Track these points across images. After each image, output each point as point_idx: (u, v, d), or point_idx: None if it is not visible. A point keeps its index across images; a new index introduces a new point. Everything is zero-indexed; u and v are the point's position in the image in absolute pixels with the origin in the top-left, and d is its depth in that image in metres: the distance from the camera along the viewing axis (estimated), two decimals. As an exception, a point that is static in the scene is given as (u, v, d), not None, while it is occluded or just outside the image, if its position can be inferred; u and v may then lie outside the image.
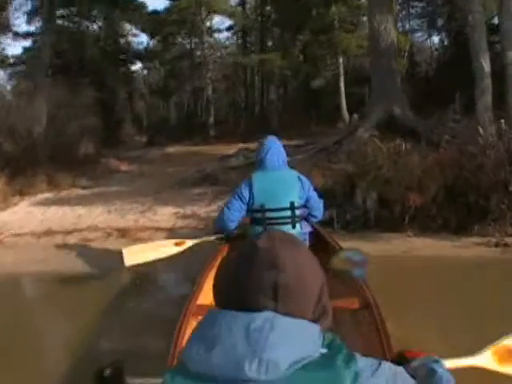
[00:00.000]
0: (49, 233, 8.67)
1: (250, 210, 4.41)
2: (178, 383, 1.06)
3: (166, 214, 9.14)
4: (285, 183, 4.40)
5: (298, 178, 4.44)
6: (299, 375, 1.02)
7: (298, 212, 4.35)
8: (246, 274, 1.10)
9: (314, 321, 1.11)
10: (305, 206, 4.45)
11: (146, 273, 6.26)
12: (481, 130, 7.21)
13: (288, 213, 4.34)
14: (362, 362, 1.08)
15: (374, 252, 6.14)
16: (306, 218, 4.54)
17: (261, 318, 1.04)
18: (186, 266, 5.92)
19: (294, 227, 4.31)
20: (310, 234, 4.55)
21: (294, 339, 1.04)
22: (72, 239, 8.23)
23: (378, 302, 3.35)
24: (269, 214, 4.32)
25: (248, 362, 1.01)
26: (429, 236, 6.85)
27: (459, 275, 5.54)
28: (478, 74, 9.67)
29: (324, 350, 1.07)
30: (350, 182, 7.64)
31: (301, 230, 4.36)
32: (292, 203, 4.32)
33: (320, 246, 4.52)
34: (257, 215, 4.38)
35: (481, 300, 4.80)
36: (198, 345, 1.07)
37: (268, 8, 29.12)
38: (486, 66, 9.54)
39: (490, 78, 9.62)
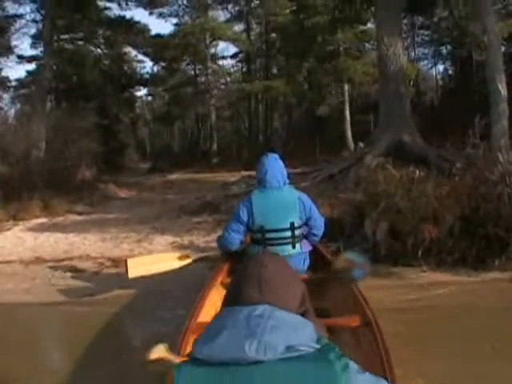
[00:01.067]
0: (38, 261, 8.21)
1: (250, 230, 4.39)
2: (184, 372, 1.20)
3: (162, 244, 8.72)
4: (285, 204, 4.34)
5: (299, 198, 4.39)
6: (294, 364, 1.14)
7: (297, 232, 4.32)
8: (242, 275, 1.32)
9: None
10: (306, 224, 4.41)
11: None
12: (500, 157, 6.73)
13: (288, 233, 4.30)
14: (354, 365, 1.18)
15: (385, 288, 5.72)
16: (306, 236, 4.48)
17: (261, 308, 1.20)
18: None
19: (293, 247, 4.31)
20: (310, 252, 4.47)
21: (289, 326, 1.18)
22: (61, 268, 7.75)
23: (377, 319, 3.30)
24: (269, 235, 4.30)
25: (248, 344, 1.13)
26: (445, 271, 6.33)
27: (480, 319, 5.00)
28: (493, 97, 9.27)
29: (318, 346, 1.18)
30: (359, 212, 7.16)
31: (300, 250, 4.34)
32: (292, 224, 4.29)
33: (321, 264, 4.48)
34: (257, 235, 4.35)
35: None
36: (205, 336, 1.21)
37: (273, 35, 29.07)
38: (503, 89, 9.13)
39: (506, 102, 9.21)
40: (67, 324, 5.63)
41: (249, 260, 1.38)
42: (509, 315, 4.98)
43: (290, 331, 1.16)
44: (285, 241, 4.27)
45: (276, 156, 4.61)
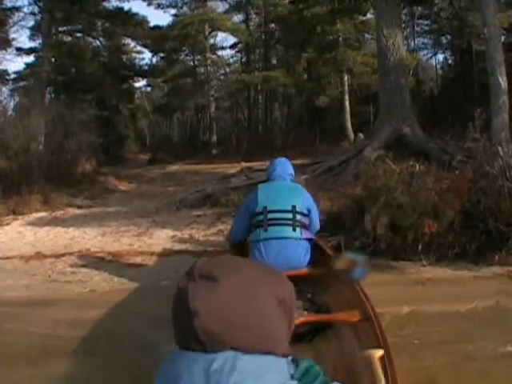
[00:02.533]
0: (38, 256, 8.19)
1: (254, 215, 4.53)
2: None
3: (162, 238, 8.71)
4: (288, 189, 4.66)
5: (301, 188, 4.74)
6: None
7: (298, 216, 4.45)
8: (174, 318, 1.08)
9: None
10: (307, 215, 4.55)
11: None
12: (500, 150, 6.70)
13: (289, 215, 4.44)
14: None
15: (385, 283, 5.70)
16: (307, 228, 4.57)
17: (221, 359, 0.99)
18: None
19: (294, 230, 4.41)
20: (311, 248, 4.52)
21: (257, 374, 0.99)
22: (62, 263, 7.73)
23: (378, 314, 3.31)
24: (270, 215, 4.45)
25: None
26: (445, 265, 6.33)
27: (477, 315, 4.97)
28: (493, 90, 9.23)
29: (294, 383, 1.02)
30: (359, 206, 7.14)
31: (301, 235, 4.42)
32: (294, 206, 4.45)
33: (321, 259, 4.49)
34: (259, 217, 4.48)
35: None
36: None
37: (272, 25, 28.91)
38: (503, 81, 9.09)
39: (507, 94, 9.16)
40: (66, 321, 5.59)
41: (175, 295, 1.09)
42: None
43: (258, 380, 0.98)
44: (286, 222, 4.41)
45: (286, 159, 5.04)
